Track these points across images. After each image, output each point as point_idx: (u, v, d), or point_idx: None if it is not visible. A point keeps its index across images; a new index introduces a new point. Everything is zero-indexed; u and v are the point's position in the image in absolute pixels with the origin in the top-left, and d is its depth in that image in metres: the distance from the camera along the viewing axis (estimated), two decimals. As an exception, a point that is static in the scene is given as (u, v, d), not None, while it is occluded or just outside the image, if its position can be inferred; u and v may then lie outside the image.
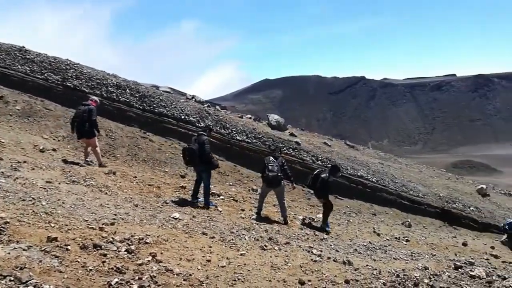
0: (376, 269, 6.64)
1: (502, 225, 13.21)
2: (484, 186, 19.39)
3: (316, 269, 6.20)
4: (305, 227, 9.17)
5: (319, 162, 14.16)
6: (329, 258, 6.97)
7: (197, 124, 14.58)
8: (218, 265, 5.51)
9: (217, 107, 21.83)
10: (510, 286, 6.87)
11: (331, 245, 8.09)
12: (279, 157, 9.25)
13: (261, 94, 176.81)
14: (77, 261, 4.46)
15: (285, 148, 14.23)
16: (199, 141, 8.75)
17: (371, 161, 17.72)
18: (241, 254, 6.29)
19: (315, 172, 9.77)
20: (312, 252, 7.12)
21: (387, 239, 9.81)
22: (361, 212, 12.82)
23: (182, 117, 14.48)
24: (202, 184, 9.05)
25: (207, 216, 8.00)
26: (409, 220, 12.88)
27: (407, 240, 10.19)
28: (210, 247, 6.20)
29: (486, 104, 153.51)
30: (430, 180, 18.21)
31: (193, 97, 19.46)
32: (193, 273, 5.00)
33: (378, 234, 10.16)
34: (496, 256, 10.12)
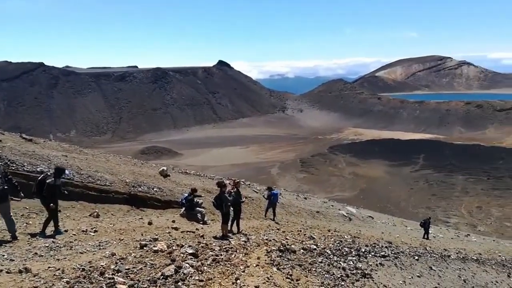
0: (59, 269, 6.29)
1: (180, 199, 15.24)
2: (165, 168, 21.69)
3: (-19, 289, 5.23)
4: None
5: (-16, 161, 11.82)
6: (0, 270, 6.02)
7: None
8: None
9: None
10: (186, 251, 8.06)
11: (3, 255, 7.00)
12: (1, 166, 8.10)
13: None
14: None
15: None
16: None
17: (54, 154, 16.37)
18: None
19: (39, 179, 9.09)
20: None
21: (73, 234, 9.41)
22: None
23: None
24: None
25: None
26: (97, 210, 12.81)
27: (95, 231, 10.11)
28: None
29: (165, 95, 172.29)
30: (117, 168, 18.68)
31: None
32: None
33: (66, 230, 9.61)
34: (176, 228, 11.59)
